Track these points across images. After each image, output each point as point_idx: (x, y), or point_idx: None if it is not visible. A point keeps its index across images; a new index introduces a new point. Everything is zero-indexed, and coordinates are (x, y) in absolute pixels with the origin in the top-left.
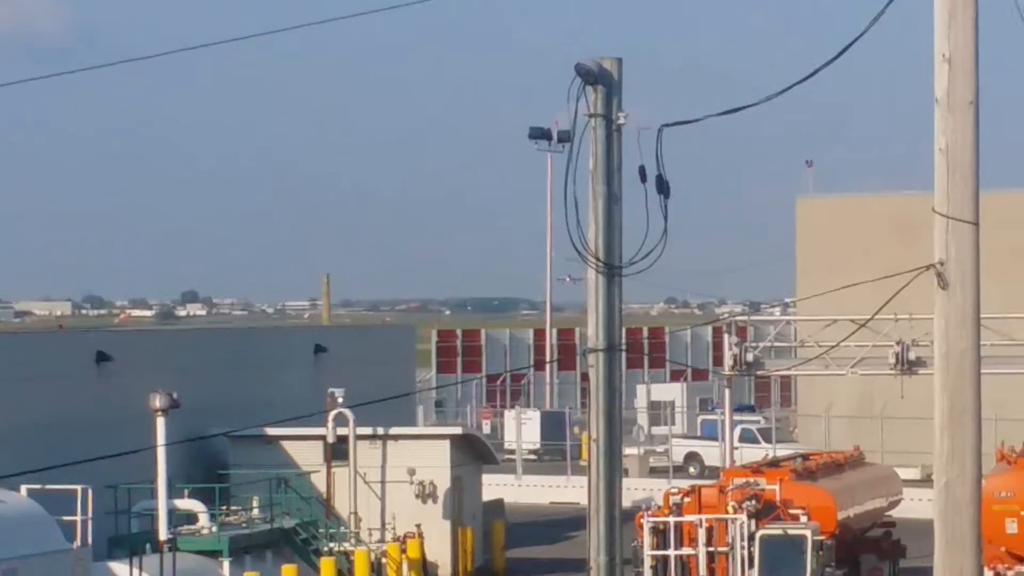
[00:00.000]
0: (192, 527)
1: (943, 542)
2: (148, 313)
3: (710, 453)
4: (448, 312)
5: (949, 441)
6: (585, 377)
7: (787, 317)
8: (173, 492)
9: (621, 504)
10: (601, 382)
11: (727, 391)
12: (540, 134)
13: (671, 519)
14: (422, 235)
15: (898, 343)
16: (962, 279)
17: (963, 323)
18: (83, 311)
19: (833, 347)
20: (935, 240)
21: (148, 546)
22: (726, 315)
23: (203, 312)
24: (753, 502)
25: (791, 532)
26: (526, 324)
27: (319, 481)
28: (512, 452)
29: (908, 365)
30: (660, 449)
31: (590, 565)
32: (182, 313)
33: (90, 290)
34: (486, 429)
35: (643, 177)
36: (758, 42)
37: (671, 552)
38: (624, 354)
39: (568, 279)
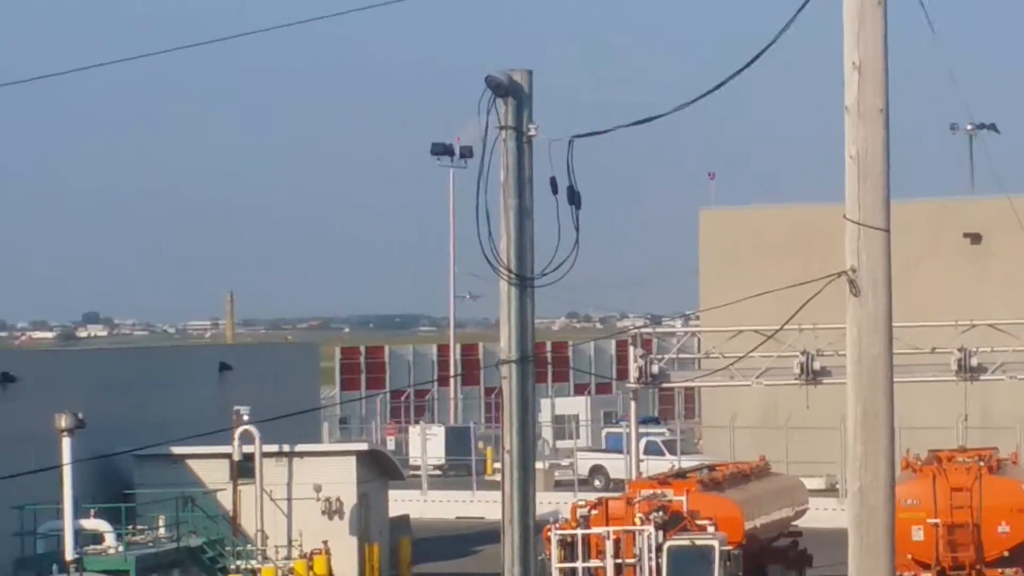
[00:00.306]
0: (99, 547)
1: (857, 548)
2: (49, 335)
3: (615, 466)
4: (347, 329)
5: (862, 447)
6: (489, 392)
7: (692, 328)
8: (79, 512)
9: (535, 515)
10: (514, 394)
11: (633, 403)
12: (442, 150)
13: (579, 531)
14: (320, 254)
15: (802, 353)
16: (874, 286)
17: (875, 330)
18: None
19: (740, 358)
20: (847, 247)
21: (55, 567)
22: (631, 328)
23: (104, 333)
24: (660, 513)
25: (699, 543)
26: (426, 340)
27: (225, 499)
28: (417, 468)
29: (813, 375)
30: (565, 462)
31: None
32: (83, 334)
33: None
34: (391, 445)
35: (554, 189)
36: (668, 54)
37: (579, 564)
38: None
39: (468, 296)
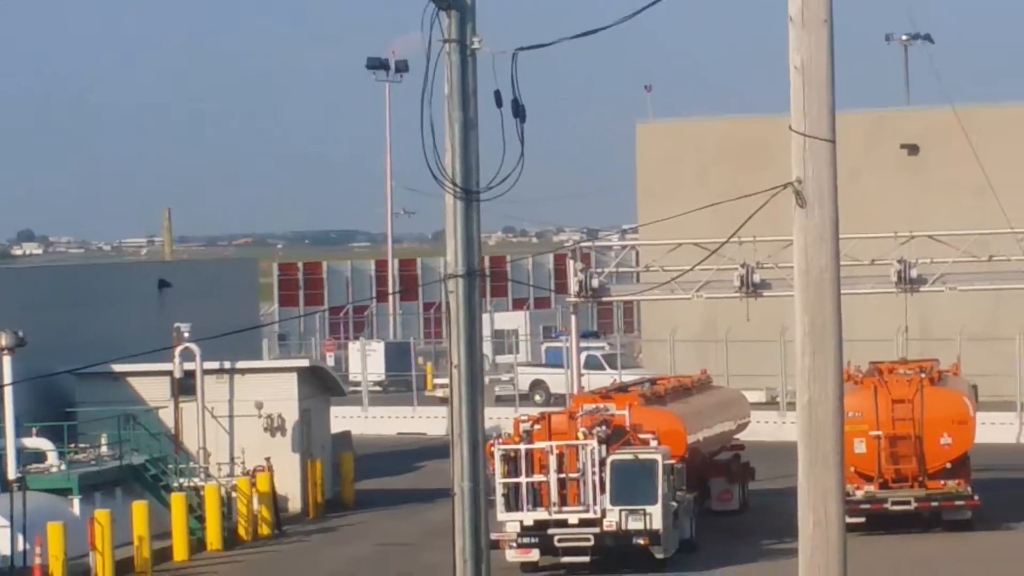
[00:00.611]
0: (41, 465)
1: (806, 461)
2: None
3: (555, 380)
4: (280, 246)
5: (811, 359)
6: (428, 307)
7: (632, 242)
8: (21, 431)
9: (484, 429)
10: (462, 308)
11: (573, 318)
12: (378, 64)
13: (522, 447)
14: (254, 170)
15: (742, 266)
16: (820, 197)
17: (822, 240)
18: None
19: (683, 272)
20: (792, 158)
21: None
22: (568, 242)
23: (39, 251)
24: (603, 427)
25: (642, 457)
26: (362, 256)
27: (167, 417)
28: (357, 384)
29: (753, 288)
30: (505, 378)
31: (454, 491)
32: (18, 252)
33: None
34: (330, 361)
35: (499, 102)
36: None
37: (523, 479)
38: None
39: (403, 212)
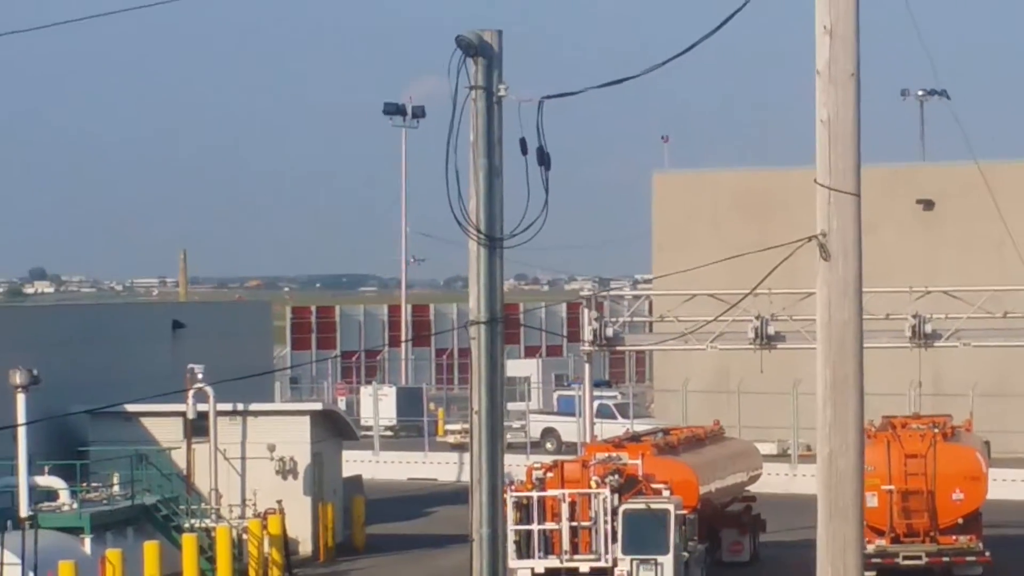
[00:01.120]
0: (53, 504)
1: (826, 513)
2: None
3: (567, 428)
4: (288, 289)
5: (832, 412)
6: (440, 353)
7: (647, 292)
8: (33, 469)
9: (504, 476)
10: (483, 354)
11: (587, 366)
12: (395, 109)
13: (534, 494)
14: (266, 214)
15: (757, 318)
16: (844, 250)
17: (845, 294)
18: None
19: (704, 324)
20: (817, 211)
21: (9, 523)
22: (584, 290)
23: (51, 289)
24: (616, 476)
25: (654, 506)
26: (370, 301)
27: (179, 457)
28: (369, 429)
29: (767, 340)
30: (517, 425)
31: (472, 537)
32: (30, 290)
33: None
34: (342, 405)
35: (524, 149)
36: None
37: (535, 527)
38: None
39: (413, 260)
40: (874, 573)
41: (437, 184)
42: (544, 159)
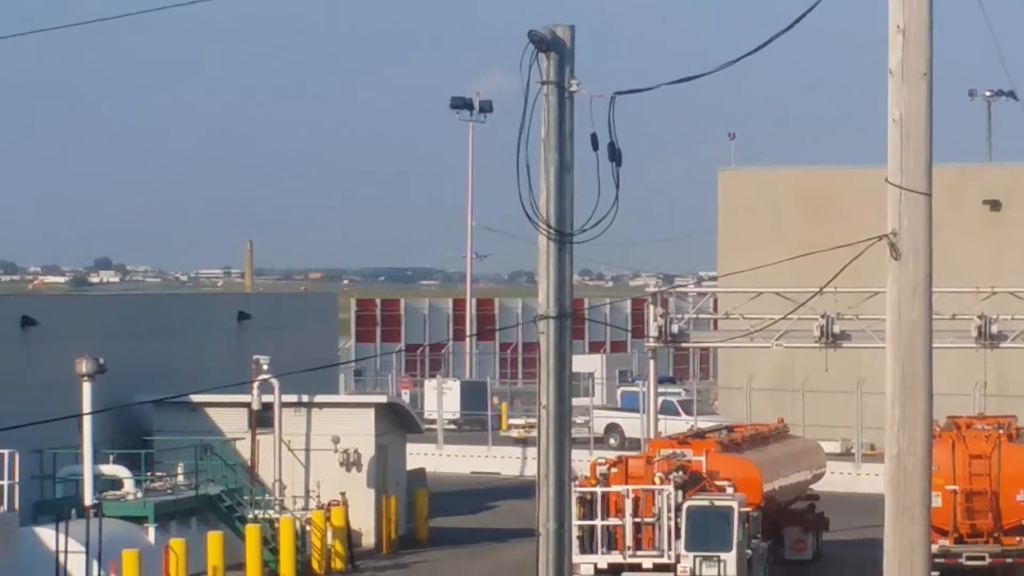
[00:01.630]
0: (117, 493)
1: (893, 512)
2: (61, 279)
3: (630, 424)
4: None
5: (900, 411)
6: (504, 347)
7: (713, 289)
8: (98, 458)
9: (571, 470)
10: (552, 349)
11: (651, 362)
12: (462, 104)
13: (598, 489)
14: (331, 205)
15: (822, 316)
16: (915, 250)
17: (915, 293)
18: None
19: (773, 323)
20: (888, 211)
21: (74, 511)
22: (651, 287)
23: (116, 279)
24: (680, 473)
25: (718, 503)
26: (433, 295)
27: (244, 448)
28: (432, 422)
29: (832, 339)
30: (580, 420)
31: (538, 531)
32: (95, 280)
33: (1, 256)
34: (405, 398)
35: (595, 145)
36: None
37: (598, 522)
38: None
39: (476, 256)
40: (937, 573)
41: (503, 179)
42: (615, 155)
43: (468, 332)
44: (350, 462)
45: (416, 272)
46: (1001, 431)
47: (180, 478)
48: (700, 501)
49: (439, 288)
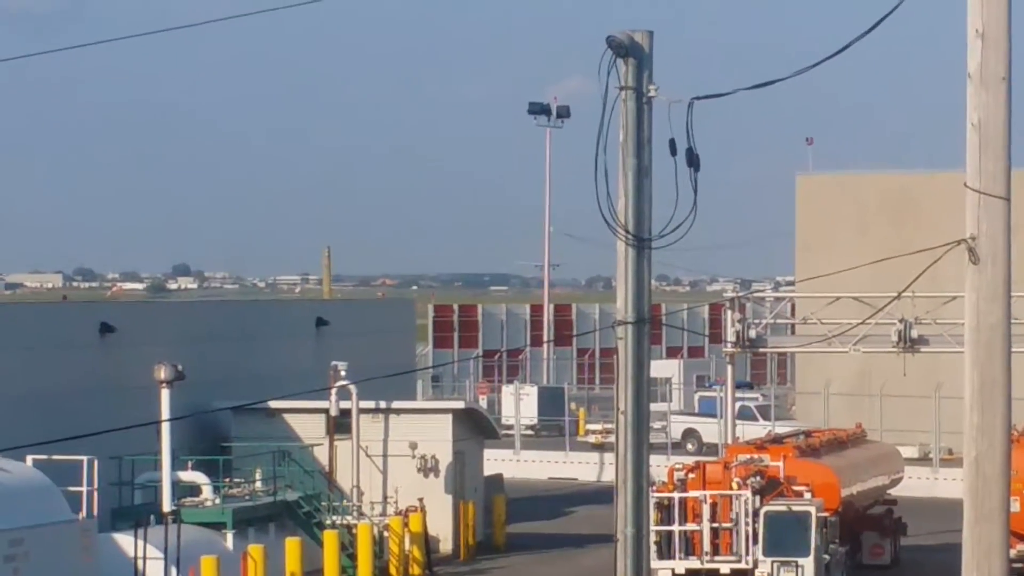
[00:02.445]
0: (195, 499)
1: (972, 516)
2: (139, 286)
3: (708, 430)
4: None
5: (979, 416)
6: (582, 353)
7: (792, 294)
8: (176, 464)
9: (648, 476)
10: (630, 354)
11: (729, 367)
12: (539, 109)
13: (676, 495)
14: (407, 213)
15: (900, 321)
16: (993, 254)
17: (994, 298)
18: (74, 283)
19: (852, 327)
20: (967, 215)
21: (152, 518)
22: (728, 292)
23: (194, 285)
24: (757, 478)
25: (795, 509)
26: (510, 300)
27: (321, 454)
28: (510, 428)
29: (911, 343)
30: (658, 426)
31: (616, 537)
32: (173, 286)
33: (80, 263)
34: (483, 404)
35: (673, 150)
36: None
37: (675, 528)
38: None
39: (534, 266)
40: None
41: (580, 184)
42: (693, 160)
43: (546, 338)
44: (427, 468)
45: (493, 278)
46: None
47: (258, 484)
48: (778, 506)
49: (518, 293)
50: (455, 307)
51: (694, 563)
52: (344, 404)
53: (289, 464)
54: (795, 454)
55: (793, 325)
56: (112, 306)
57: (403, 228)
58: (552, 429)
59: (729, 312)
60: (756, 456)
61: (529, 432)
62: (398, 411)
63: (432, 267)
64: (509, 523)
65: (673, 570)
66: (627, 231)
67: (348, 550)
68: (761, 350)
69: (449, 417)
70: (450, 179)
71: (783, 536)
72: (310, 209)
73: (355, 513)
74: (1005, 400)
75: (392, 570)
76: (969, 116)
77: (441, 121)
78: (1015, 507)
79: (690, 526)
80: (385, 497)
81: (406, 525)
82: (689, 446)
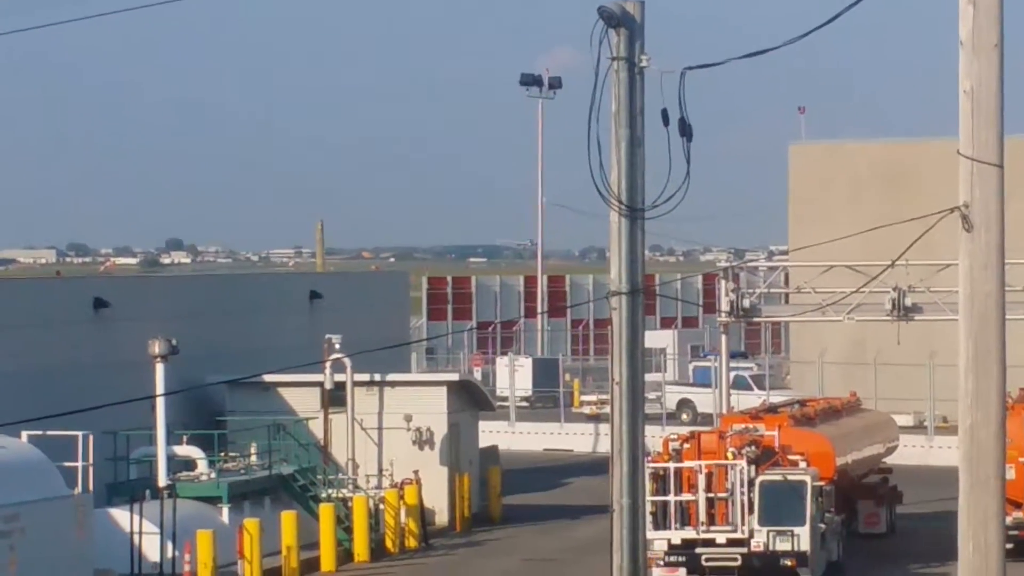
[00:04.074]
0: (191, 473)
1: (967, 485)
2: (133, 261)
3: (703, 400)
4: (391, 259)
5: (973, 383)
6: (576, 324)
7: (785, 263)
8: (171, 439)
9: (644, 446)
10: (624, 325)
11: (723, 337)
12: (531, 80)
13: (671, 465)
14: (399, 184)
15: (894, 289)
16: (986, 221)
17: (987, 265)
18: (67, 259)
19: (845, 296)
20: (960, 182)
21: (147, 492)
22: (722, 262)
23: (188, 260)
24: (752, 448)
25: (791, 478)
26: (504, 272)
27: (316, 427)
28: (504, 399)
29: (904, 312)
30: (652, 396)
31: (612, 508)
32: (166, 261)
33: (73, 238)
34: (477, 376)
35: (665, 120)
36: None
37: (671, 498)
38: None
39: (529, 243)
40: (1010, 545)
41: (573, 155)
42: (686, 130)
43: (539, 309)
44: (423, 440)
45: (486, 250)
46: None
47: (253, 458)
48: (773, 476)
49: (511, 265)
50: (448, 279)
51: (690, 533)
52: (339, 377)
53: (284, 438)
54: (790, 423)
55: (787, 294)
56: (106, 281)
57: (396, 202)
58: (547, 400)
59: (723, 282)
60: (751, 426)
61: (524, 404)
62: (393, 384)
63: (425, 240)
64: (505, 495)
65: (669, 540)
66: (620, 202)
67: (344, 523)
68: (755, 320)
69: (444, 389)
70: (443, 153)
71: (779, 505)
72: (304, 182)
73: (350, 486)
74: (999, 368)
75: (388, 543)
76: (961, 83)
77: (435, 95)
78: (1010, 475)
79: (686, 496)
80: (380, 470)
81: (402, 498)
82: (684, 416)
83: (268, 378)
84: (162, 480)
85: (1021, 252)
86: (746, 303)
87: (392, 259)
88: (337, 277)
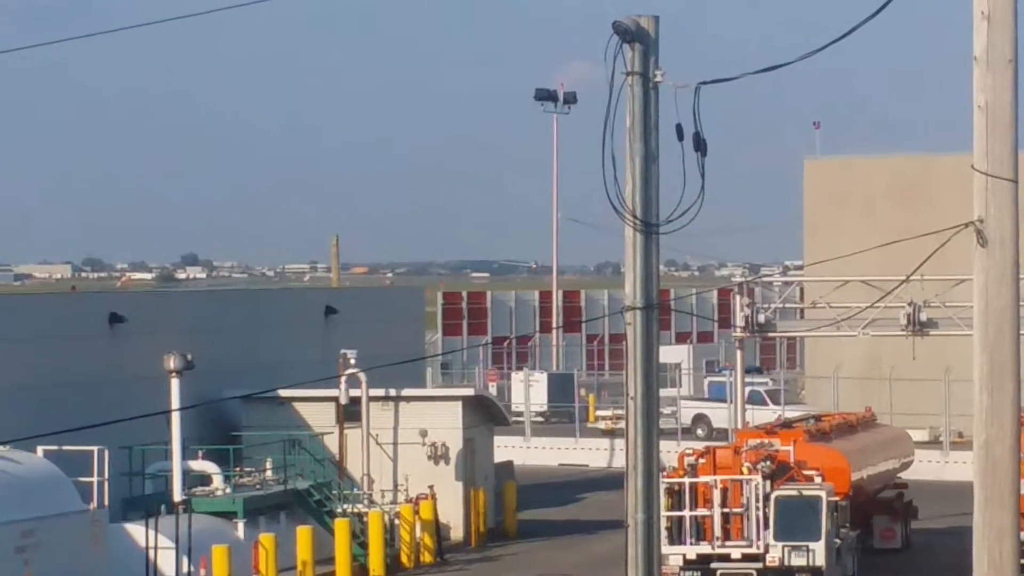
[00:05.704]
0: (206, 488)
1: (982, 500)
2: (148, 276)
3: (718, 415)
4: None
5: (988, 399)
6: (591, 339)
7: (799, 278)
8: (187, 453)
9: (659, 461)
10: (639, 340)
11: (738, 352)
12: (546, 95)
13: (686, 480)
14: (415, 200)
15: (909, 304)
16: (1001, 237)
17: (1002, 280)
18: (83, 274)
19: (860, 311)
20: (974, 197)
21: (163, 507)
22: (737, 277)
23: (203, 275)
24: (768, 463)
25: (806, 493)
26: (520, 287)
27: (332, 443)
28: (520, 414)
29: (920, 326)
30: (668, 411)
31: (628, 523)
32: (182, 276)
33: (88, 253)
34: (493, 391)
35: (680, 135)
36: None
37: (686, 513)
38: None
39: (534, 265)
40: None
41: (588, 170)
42: (700, 145)
43: (555, 324)
44: (438, 455)
45: (502, 266)
46: None
47: (269, 473)
48: (788, 491)
49: (527, 280)
50: (464, 294)
51: (705, 548)
52: (354, 392)
53: (299, 453)
54: (805, 438)
55: (802, 309)
56: (121, 296)
57: (412, 217)
58: (562, 415)
59: (738, 297)
60: (766, 441)
61: (539, 419)
62: (408, 399)
63: (441, 255)
64: (520, 510)
65: (684, 555)
66: (635, 216)
67: (359, 538)
68: (770, 335)
69: (459, 404)
70: (459, 169)
71: (794, 521)
72: (318, 199)
73: (366, 501)
74: (1015, 382)
75: (403, 558)
76: (976, 98)
77: (448, 110)
78: None
79: (701, 511)
80: (396, 485)
81: (417, 513)
82: (699, 431)
83: (283, 393)
84: (177, 495)
85: None
86: (761, 318)
87: (408, 273)
88: (352, 292)
